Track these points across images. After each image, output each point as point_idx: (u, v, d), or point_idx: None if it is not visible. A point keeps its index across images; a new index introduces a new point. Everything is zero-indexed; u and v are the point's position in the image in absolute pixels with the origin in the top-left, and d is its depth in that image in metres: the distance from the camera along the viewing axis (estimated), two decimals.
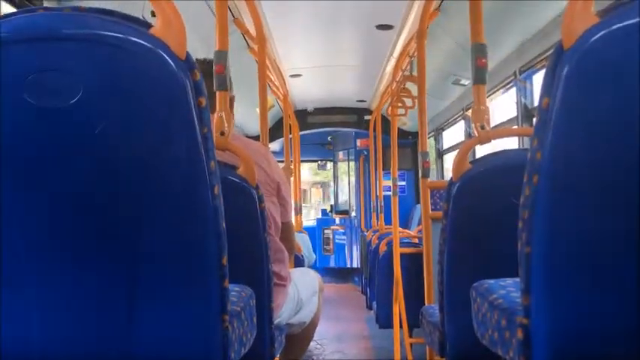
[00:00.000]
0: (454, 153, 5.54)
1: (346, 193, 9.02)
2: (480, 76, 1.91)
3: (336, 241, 8.66)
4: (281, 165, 2.80)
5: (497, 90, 4.01)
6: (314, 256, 4.87)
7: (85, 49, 0.98)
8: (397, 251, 3.76)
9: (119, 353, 1.08)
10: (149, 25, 1.02)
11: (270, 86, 4.29)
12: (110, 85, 1.00)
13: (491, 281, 1.36)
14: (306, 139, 7.80)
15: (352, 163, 8.61)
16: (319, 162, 9.88)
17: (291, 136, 5.64)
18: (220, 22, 1.90)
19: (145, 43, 0.99)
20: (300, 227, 5.51)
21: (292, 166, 5.56)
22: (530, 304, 1.03)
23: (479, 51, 1.91)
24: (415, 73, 3.28)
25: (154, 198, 1.04)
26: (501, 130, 3.38)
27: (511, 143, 3.84)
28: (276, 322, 1.85)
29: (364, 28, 4.31)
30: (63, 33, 0.99)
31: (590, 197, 0.95)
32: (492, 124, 4.06)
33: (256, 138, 2.83)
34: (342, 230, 8.66)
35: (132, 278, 1.05)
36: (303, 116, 7.43)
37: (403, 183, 7.64)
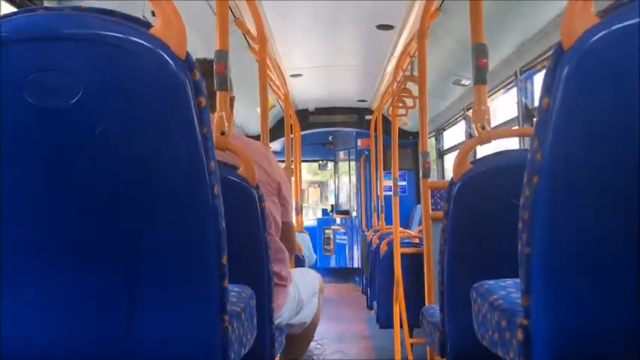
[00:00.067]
0: (455, 153, 5.53)
1: (347, 193, 9.02)
2: (480, 76, 1.90)
3: (337, 241, 8.67)
4: (282, 165, 2.80)
5: (498, 90, 4.00)
6: (314, 256, 4.87)
7: (85, 49, 0.99)
8: (398, 251, 3.76)
9: (119, 353, 1.08)
10: (149, 25, 1.02)
11: (270, 86, 4.29)
12: (110, 85, 1.00)
13: (492, 282, 1.35)
14: (307, 138, 7.80)
15: (353, 163, 8.61)
16: (320, 162, 9.88)
17: (292, 135, 5.64)
18: (221, 22, 1.90)
19: (145, 43, 0.99)
20: (301, 227, 5.52)
21: (293, 166, 5.56)
22: (531, 305, 1.03)
23: (479, 51, 1.91)
24: (416, 73, 3.28)
25: (153, 198, 1.04)
26: (502, 131, 3.38)
27: (512, 144, 3.84)
28: (276, 322, 1.85)
29: (365, 28, 4.31)
30: (63, 33, 0.99)
31: (590, 198, 0.95)
32: (495, 124, 4.10)
33: (257, 138, 2.83)
34: (343, 230, 8.66)
35: (132, 278, 1.05)
36: (304, 116, 7.43)
37: (404, 183, 7.64)
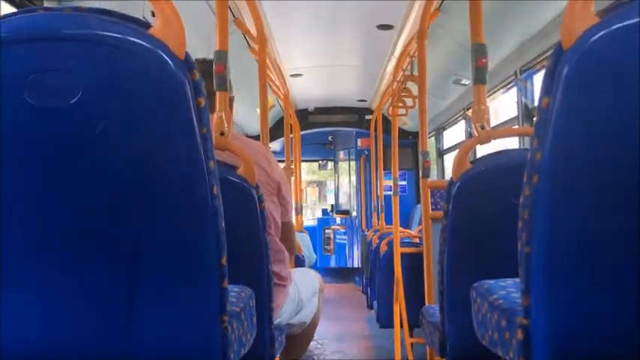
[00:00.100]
0: (455, 153, 5.53)
1: (347, 193, 9.02)
2: (480, 76, 1.90)
3: (337, 240, 8.67)
4: (281, 165, 2.80)
5: (498, 90, 4.01)
6: (314, 256, 4.87)
7: (84, 50, 0.99)
8: (398, 251, 3.76)
9: (119, 353, 1.08)
10: (149, 26, 1.02)
11: (270, 86, 4.29)
12: (110, 85, 1.00)
13: (492, 281, 1.35)
14: (307, 138, 7.80)
15: (353, 163, 8.61)
16: (320, 162, 9.88)
17: (291, 135, 5.64)
18: (221, 22, 1.90)
19: (145, 44, 0.99)
20: (301, 227, 5.52)
21: (293, 166, 5.56)
22: (530, 305, 1.03)
23: (479, 51, 1.91)
24: (416, 73, 3.28)
25: (153, 198, 1.04)
26: (501, 130, 3.38)
27: (512, 143, 3.84)
28: (276, 322, 1.85)
29: (365, 28, 4.32)
30: (63, 33, 0.99)
31: (590, 197, 0.95)
32: (498, 123, 4.10)
33: (257, 137, 2.83)
34: (343, 230, 8.66)
35: (131, 278, 1.05)
36: (304, 116, 7.43)
37: (404, 183, 7.64)
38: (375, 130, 5.86)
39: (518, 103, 3.63)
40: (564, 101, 0.94)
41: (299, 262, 3.71)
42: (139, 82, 1.01)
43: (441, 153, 6.39)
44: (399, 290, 3.73)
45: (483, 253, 1.65)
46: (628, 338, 0.96)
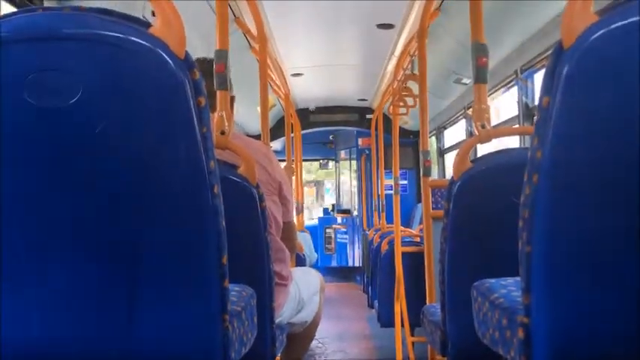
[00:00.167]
0: (455, 152, 5.53)
1: (348, 192, 9.02)
2: (480, 75, 1.90)
3: (338, 240, 8.67)
4: (282, 164, 2.80)
5: (499, 89, 4.00)
6: (315, 255, 4.88)
7: (84, 49, 0.99)
8: (399, 250, 3.76)
9: (119, 353, 1.08)
10: (149, 25, 1.02)
11: (271, 85, 4.29)
12: (110, 85, 1.00)
13: (492, 280, 1.35)
14: (308, 138, 7.80)
15: (354, 162, 8.61)
16: (321, 161, 9.88)
17: (292, 135, 5.64)
18: (221, 22, 1.90)
19: (145, 43, 0.99)
20: (302, 226, 5.52)
21: (294, 165, 5.56)
22: (531, 304, 1.03)
23: (479, 50, 1.91)
24: (416, 72, 3.28)
25: (153, 197, 1.04)
26: (502, 129, 3.38)
27: (512, 143, 3.84)
28: (277, 321, 1.85)
29: (365, 28, 4.31)
30: (63, 33, 0.99)
31: (591, 196, 0.95)
32: (499, 121, 4.09)
33: (257, 137, 2.83)
34: (344, 229, 8.67)
35: (132, 278, 1.05)
36: (305, 115, 7.43)
37: (405, 182, 7.64)
38: (376, 129, 5.86)
39: (518, 102, 3.63)
40: (564, 100, 0.94)
41: (300, 262, 3.71)
42: (139, 82, 1.01)
43: (441, 152, 6.39)
44: (400, 289, 3.73)
45: (484, 252, 1.65)
46: (628, 337, 0.96)
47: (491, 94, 3.97)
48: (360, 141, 8.30)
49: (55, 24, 1.00)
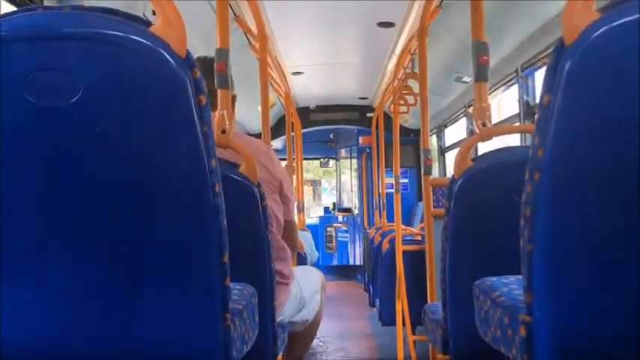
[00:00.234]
0: (456, 150, 5.53)
1: (349, 191, 9.02)
2: (481, 74, 1.90)
3: (339, 238, 8.67)
4: (283, 163, 2.80)
5: (499, 87, 4.00)
6: (316, 254, 4.87)
7: (85, 48, 0.98)
8: (400, 249, 3.76)
9: (120, 353, 1.08)
10: (149, 24, 1.02)
11: (271, 84, 4.29)
12: (110, 84, 1.00)
13: (494, 279, 1.35)
14: (309, 136, 7.79)
15: (355, 161, 8.61)
16: (322, 159, 9.88)
17: (293, 133, 5.63)
18: (221, 20, 1.90)
19: (145, 42, 0.99)
20: (303, 225, 5.52)
21: (295, 164, 5.56)
22: (533, 302, 1.02)
23: (480, 48, 1.90)
24: (417, 71, 3.28)
25: (154, 196, 1.04)
26: (503, 128, 3.37)
27: (512, 142, 3.84)
28: (278, 320, 1.85)
29: (365, 26, 4.31)
30: (63, 32, 0.99)
31: (592, 194, 0.95)
32: (502, 118, 4.09)
33: (258, 136, 2.83)
34: (345, 228, 8.66)
35: (133, 277, 1.05)
36: (305, 114, 7.43)
37: (405, 180, 7.64)
38: (377, 127, 5.86)
39: (519, 100, 3.63)
40: (566, 98, 0.94)
41: (301, 260, 3.71)
42: (139, 81, 1.00)
43: (442, 150, 6.39)
44: (401, 288, 3.73)
45: (485, 250, 1.65)
46: (630, 335, 0.96)
47: (491, 93, 3.97)
48: (360, 139, 8.29)
49: (56, 23, 1.00)
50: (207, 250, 1.08)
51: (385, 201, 5.75)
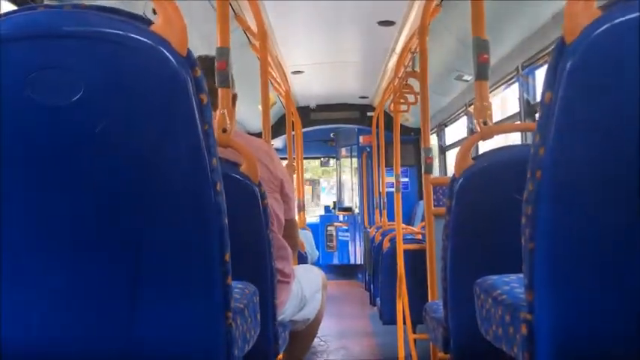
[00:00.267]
0: (457, 149, 5.52)
1: (349, 190, 9.02)
2: (482, 72, 1.89)
3: (340, 237, 8.66)
4: (283, 162, 2.80)
5: (500, 86, 4.00)
6: (317, 253, 4.88)
7: (85, 47, 0.98)
8: (400, 248, 3.76)
9: (121, 352, 1.08)
10: (150, 23, 1.02)
11: (272, 83, 4.29)
12: (111, 83, 0.99)
13: (495, 277, 1.35)
14: (309, 135, 7.78)
15: (355, 160, 8.61)
16: (322, 159, 9.88)
17: (293, 132, 5.63)
18: (222, 19, 1.90)
19: (146, 40, 0.99)
20: (304, 224, 5.52)
21: (295, 163, 5.56)
22: (534, 300, 1.02)
23: (481, 47, 1.90)
24: (417, 70, 3.27)
25: (155, 195, 1.04)
26: (504, 126, 3.37)
27: (512, 140, 3.84)
28: (279, 318, 1.85)
29: (366, 25, 4.31)
30: (64, 30, 0.99)
31: (594, 192, 0.95)
32: (504, 116, 4.09)
33: (259, 135, 2.83)
34: (346, 227, 8.66)
35: (134, 276, 1.05)
36: (306, 113, 7.42)
37: (406, 179, 7.63)
38: (377, 126, 5.86)
39: (519, 99, 3.62)
40: (566, 96, 0.93)
41: (302, 259, 3.71)
42: (140, 79, 1.00)
43: (443, 149, 6.38)
44: (402, 287, 3.73)
45: (486, 249, 1.65)
46: (630, 334, 0.96)
47: (492, 91, 3.97)
48: (361, 138, 8.29)
49: (56, 22, 1.00)
50: (209, 249, 1.08)
51: (386, 200, 5.75)
